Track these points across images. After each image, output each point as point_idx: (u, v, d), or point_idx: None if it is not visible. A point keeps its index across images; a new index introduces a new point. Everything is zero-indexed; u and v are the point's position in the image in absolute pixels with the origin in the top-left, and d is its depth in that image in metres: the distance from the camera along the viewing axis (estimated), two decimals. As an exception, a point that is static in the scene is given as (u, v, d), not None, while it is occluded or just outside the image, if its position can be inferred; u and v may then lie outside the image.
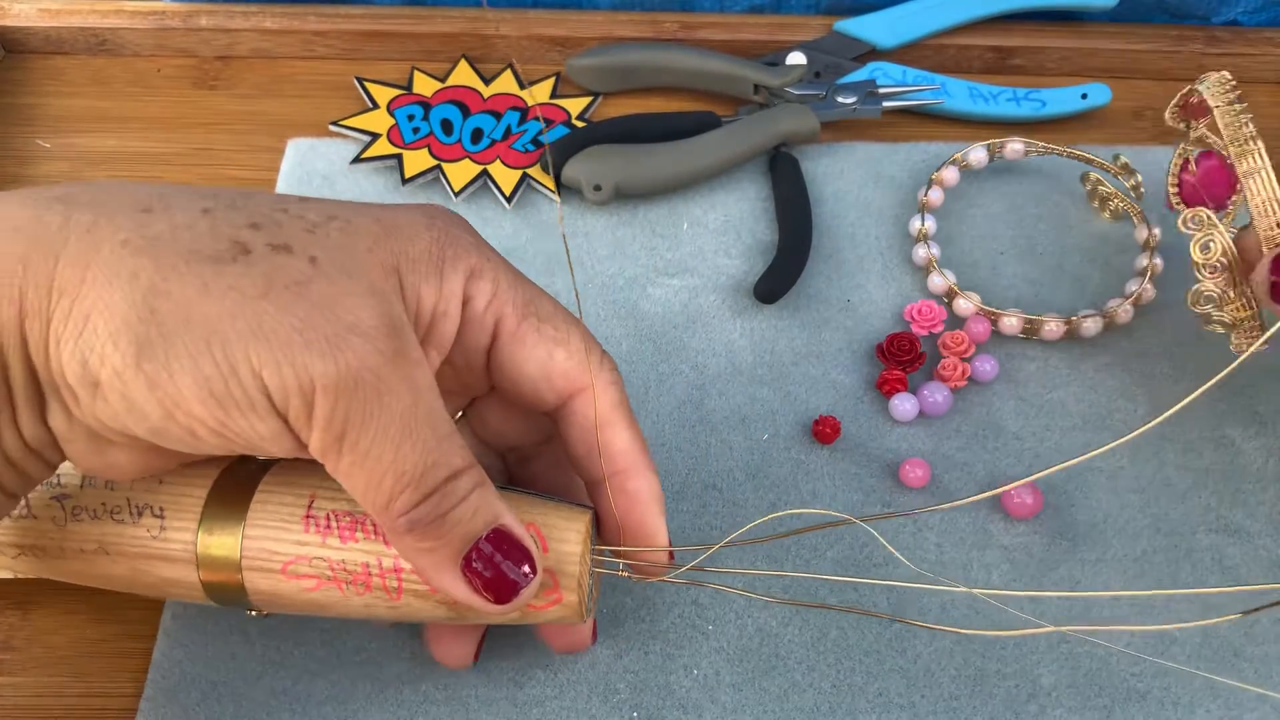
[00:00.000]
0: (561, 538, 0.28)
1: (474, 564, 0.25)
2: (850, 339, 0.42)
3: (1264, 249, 0.33)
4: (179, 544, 0.29)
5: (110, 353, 0.22)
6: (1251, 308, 0.35)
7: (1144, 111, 0.50)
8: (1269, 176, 0.33)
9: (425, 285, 0.26)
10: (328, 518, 0.28)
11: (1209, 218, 0.34)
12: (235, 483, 0.29)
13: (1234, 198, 0.37)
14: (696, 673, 0.34)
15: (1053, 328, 0.41)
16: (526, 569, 0.26)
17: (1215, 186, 0.37)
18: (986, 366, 0.40)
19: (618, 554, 0.30)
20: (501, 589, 0.26)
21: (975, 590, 0.29)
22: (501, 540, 0.26)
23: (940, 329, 0.41)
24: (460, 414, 0.33)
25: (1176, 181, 0.38)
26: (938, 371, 0.40)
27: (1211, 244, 0.34)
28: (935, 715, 0.33)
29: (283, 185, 0.46)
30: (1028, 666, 0.34)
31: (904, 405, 0.39)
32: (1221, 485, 0.38)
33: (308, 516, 0.28)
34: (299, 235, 0.24)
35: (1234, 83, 0.35)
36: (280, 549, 0.28)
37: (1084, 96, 0.49)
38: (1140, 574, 0.36)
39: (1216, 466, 0.39)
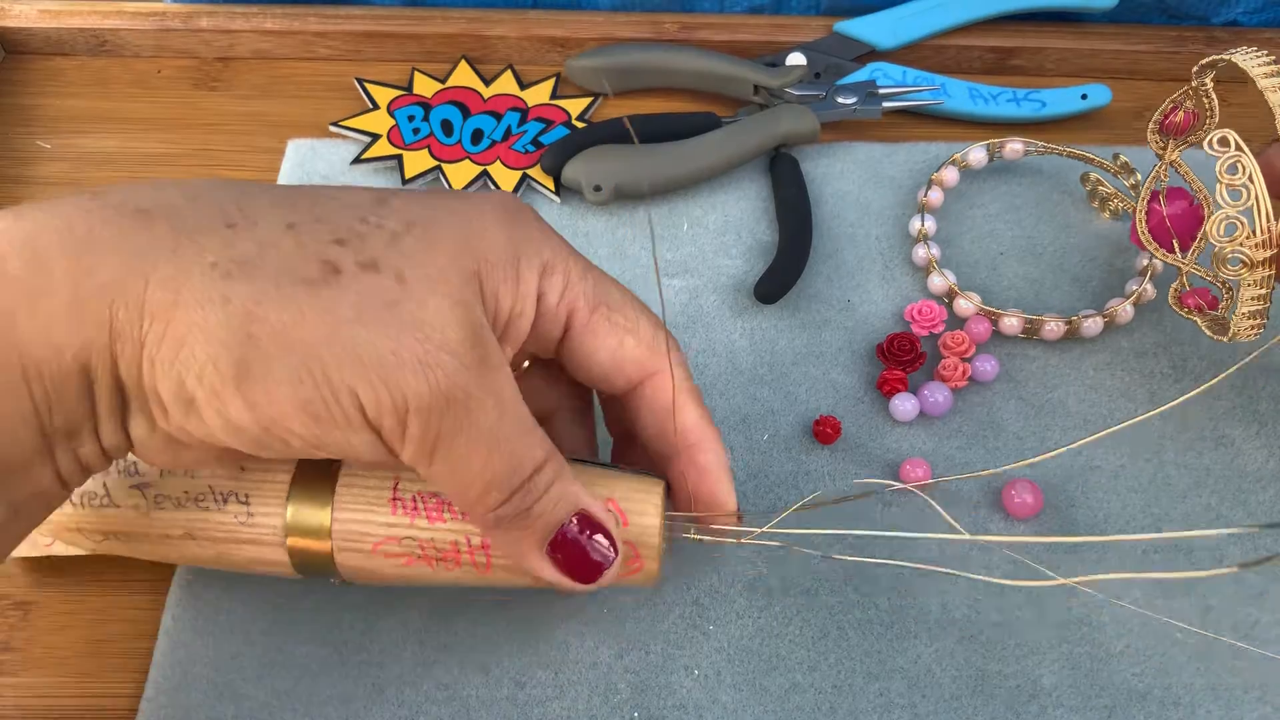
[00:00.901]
0: (640, 510, 0.29)
1: (559, 548, 0.27)
2: (850, 339, 0.42)
3: None
4: (267, 529, 0.30)
5: (209, 375, 0.22)
6: (1273, 247, 0.33)
7: (1144, 112, 0.50)
8: None
9: (503, 288, 0.26)
10: (414, 499, 0.29)
11: (1236, 140, 0.34)
12: (317, 468, 0.30)
13: (1199, 238, 0.36)
14: (697, 673, 0.34)
15: (1053, 328, 0.41)
16: (609, 549, 0.27)
17: (1182, 226, 0.37)
18: (987, 366, 0.40)
19: (690, 519, 0.31)
20: (586, 570, 0.27)
21: (1005, 538, 0.29)
22: (585, 524, 0.27)
23: (940, 329, 0.41)
24: (526, 364, 0.33)
25: (1145, 212, 0.38)
26: (938, 371, 0.40)
27: (1239, 165, 0.33)
28: (936, 715, 0.33)
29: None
30: (1029, 667, 0.34)
31: (904, 405, 0.39)
32: (1222, 485, 0.38)
33: (394, 499, 0.29)
34: (383, 250, 0.24)
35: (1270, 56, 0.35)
36: (370, 531, 0.29)
37: (1084, 97, 0.49)
38: (1142, 572, 0.36)
39: (1217, 466, 0.39)
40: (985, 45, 0.51)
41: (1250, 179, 0.33)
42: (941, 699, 0.34)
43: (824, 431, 0.39)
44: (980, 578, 0.32)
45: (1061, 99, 0.49)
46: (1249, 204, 0.33)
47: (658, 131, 0.47)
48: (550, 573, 0.27)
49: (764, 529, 0.32)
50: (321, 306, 0.22)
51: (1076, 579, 0.31)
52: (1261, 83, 0.33)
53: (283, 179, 0.47)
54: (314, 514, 0.29)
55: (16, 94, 0.50)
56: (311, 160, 0.47)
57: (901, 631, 0.35)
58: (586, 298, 0.28)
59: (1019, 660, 0.34)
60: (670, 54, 0.49)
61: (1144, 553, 0.37)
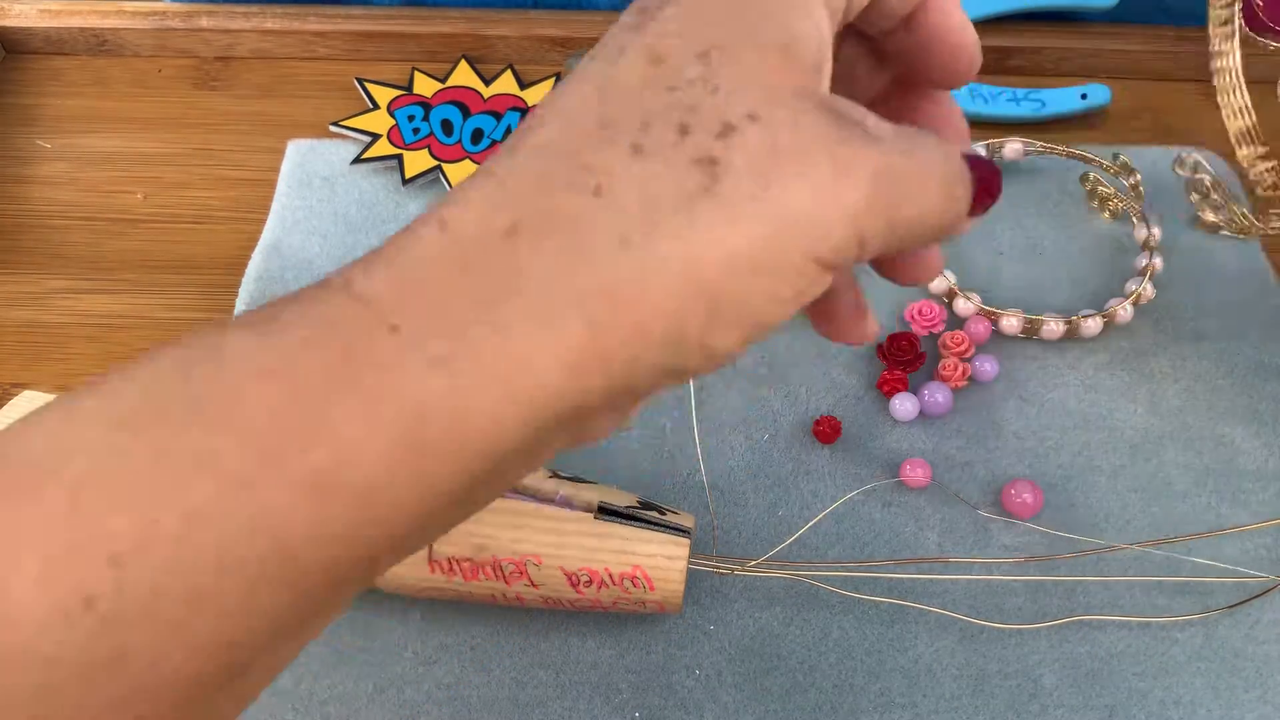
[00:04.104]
0: (665, 578, 0.32)
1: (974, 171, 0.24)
2: (851, 339, 0.42)
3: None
4: None
5: (690, 336, 0.20)
6: None
7: (1143, 112, 0.50)
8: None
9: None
10: (449, 562, 0.32)
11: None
12: None
13: None
14: (699, 672, 0.34)
15: (1053, 328, 0.41)
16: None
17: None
18: (987, 366, 0.40)
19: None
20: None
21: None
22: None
23: (940, 329, 0.41)
24: None
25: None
26: (938, 371, 0.40)
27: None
28: (937, 715, 0.33)
29: (283, 186, 0.46)
30: (1029, 666, 0.34)
31: (904, 405, 0.39)
32: (1222, 484, 0.38)
33: (431, 560, 0.32)
34: (719, 104, 0.20)
35: None
36: (413, 582, 0.33)
37: (1083, 97, 0.49)
38: (1142, 573, 0.36)
39: (1217, 465, 0.39)
40: (985, 45, 0.50)
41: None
42: (942, 698, 0.34)
43: (824, 431, 0.39)
44: (982, 578, 0.33)
45: (1061, 99, 0.49)
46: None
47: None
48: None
49: (770, 555, 0.34)
50: (728, 203, 0.19)
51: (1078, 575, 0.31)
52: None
53: (282, 178, 0.47)
54: None
55: (16, 94, 0.50)
56: (311, 160, 0.47)
57: (901, 631, 0.35)
58: None
59: (1020, 660, 0.34)
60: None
61: (1144, 551, 0.37)
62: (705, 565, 0.34)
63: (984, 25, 0.51)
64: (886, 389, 0.40)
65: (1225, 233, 0.38)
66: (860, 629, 0.35)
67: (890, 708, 0.34)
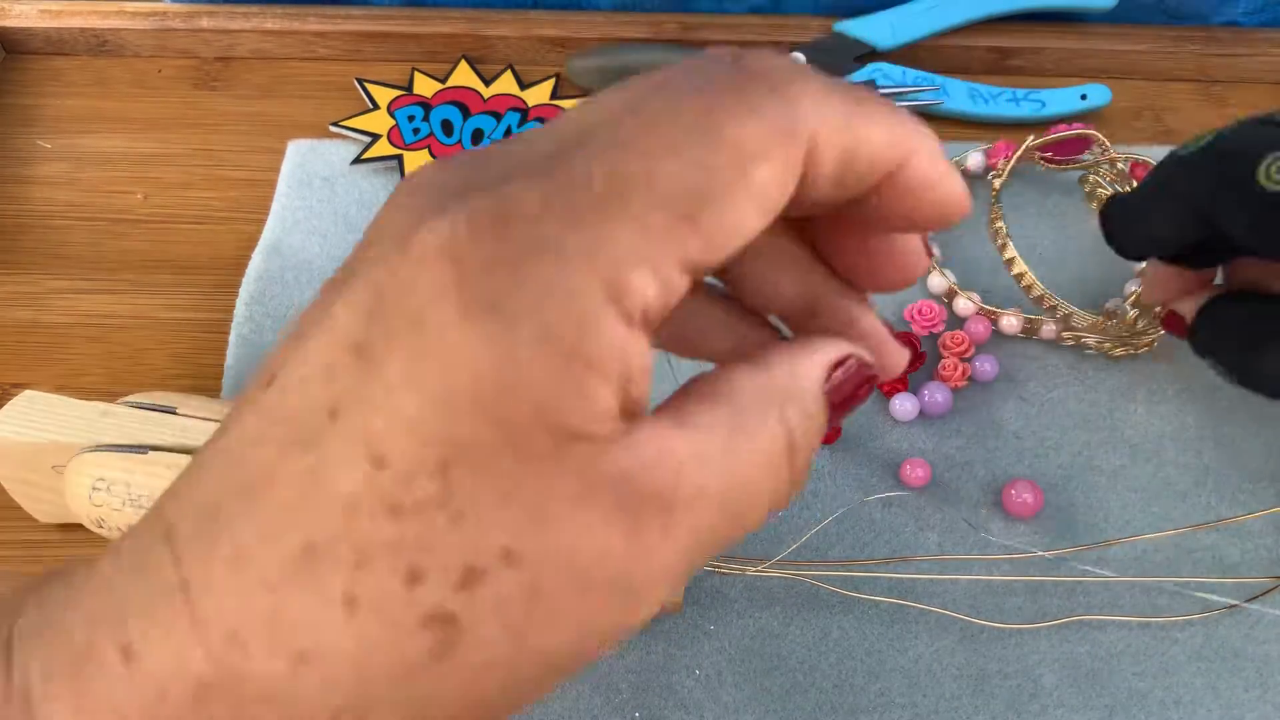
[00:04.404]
0: None
1: (839, 409, 0.19)
2: (851, 339, 0.42)
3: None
4: None
5: None
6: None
7: (1143, 112, 0.50)
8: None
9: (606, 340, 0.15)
10: None
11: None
12: None
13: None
14: (699, 672, 0.34)
15: (1052, 328, 0.41)
16: (869, 373, 0.20)
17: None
18: (986, 366, 0.40)
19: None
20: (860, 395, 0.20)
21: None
22: (840, 392, 0.19)
23: (940, 329, 0.41)
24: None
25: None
26: (938, 371, 0.40)
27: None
28: (937, 715, 0.33)
29: (283, 186, 0.46)
30: (1029, 666, 0.34)
31: (904, 405, 0.39)
32: (1222, 484, 0.38)
33: None
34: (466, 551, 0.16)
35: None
36: None
37: (1083, 97, 0.49)
38: (1141, 573, 0.36)
39: (1217, 465, 0.39)
40: (985, 45, 0.51)
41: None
42: (942, 698, 0.34)
43: (824, 431, 0.39)
44: (982, 578, 0.33)
45: (1061, 99, 0.49)
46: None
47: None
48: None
49: (774, 560, 0.34)
50: (466, 667, 0.16)
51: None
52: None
53: (283, 179, 0.47)
54: None
55: (16, 94, 0.50)
56: (311, 160, 0.47)
57: (901, 631, 0.35)
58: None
59: (1020, 660, 0.34)
60: (670, 54, 0.49)
61: (1144, 552, 0.37)
62: (707, 566, 0.34)
63: (984, 25, 0.51)
64: (886, 389, 0.40)
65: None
66: (860, 629, 0.35)
67: (890, 708, 0.34)
